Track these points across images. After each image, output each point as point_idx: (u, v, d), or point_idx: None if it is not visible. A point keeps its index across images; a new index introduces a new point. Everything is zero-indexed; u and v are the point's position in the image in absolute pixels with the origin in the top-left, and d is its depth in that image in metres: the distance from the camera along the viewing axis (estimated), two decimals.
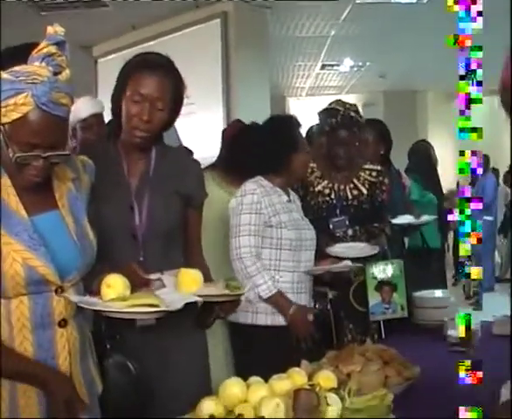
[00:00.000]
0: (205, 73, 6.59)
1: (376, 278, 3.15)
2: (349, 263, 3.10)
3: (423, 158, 5.50)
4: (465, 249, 1.59)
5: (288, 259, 3.02)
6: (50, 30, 1.68)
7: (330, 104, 3.49)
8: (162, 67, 2.17)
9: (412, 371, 2.15)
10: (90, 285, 1.86)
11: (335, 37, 8.13)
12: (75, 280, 1.78)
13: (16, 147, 1.65)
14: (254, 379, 1.86)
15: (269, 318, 2.99)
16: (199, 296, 1.93)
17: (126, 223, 2.14)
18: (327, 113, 3.46)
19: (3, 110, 1.63)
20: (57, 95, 1.65)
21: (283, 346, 2.91)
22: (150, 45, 6.79)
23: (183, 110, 2.32)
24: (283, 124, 3.19)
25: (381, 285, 3.16)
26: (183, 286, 1.97)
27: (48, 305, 1.72)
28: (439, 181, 5.66)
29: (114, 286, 1.79)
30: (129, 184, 2.19)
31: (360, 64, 9.95)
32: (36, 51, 1.66)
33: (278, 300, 2.97)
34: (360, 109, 3.57)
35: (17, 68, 1.65)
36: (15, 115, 1.63)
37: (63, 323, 1.75)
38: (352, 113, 3.40)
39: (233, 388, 1.78)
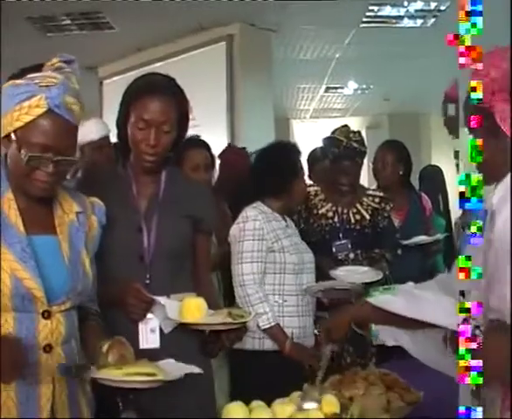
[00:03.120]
0: (210, 95, 6.63)
1: None
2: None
3: (434, 182, 5.51)
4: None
5: (292, 283, 3.03)
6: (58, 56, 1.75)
7: (334, 131, 3.53)
8: (164, 89, 2.14)
9: (415, 395, 2.14)
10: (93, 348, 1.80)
11: (340, 60, 8.16)
12: (64, 306, 1.74)
13: (27, 149, 1.66)
14: (257, 403, 1.86)
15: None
16: (201, 324, 1.94)
17: (134, 245, 2.12)
18: (330, 142, 3.51)
19: (16, 114, 1.66)
20: (69, 99, 1.68)
21: (285, 370, 2.89)
22: (156, 67, 6.80)
23: (189, 132, 2.33)
24: (286, 150, 3.23)
25: None
26: (186, 314, 1.97)
27: (33, 328, 1.68)
28: (448, 207, 5.63)
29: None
30: (139, 206, 2.18)
31: (364, 86, 9.98)
32: (49, 64, 1.73)
33: (275, 333, 2.98)
34: (364, 132, 3.58)
35: (30, 75, 1.70)
36: (28, 118, 1.65)
37: (48, 348, 1.71)
38: (355, 144, 3.44)
39: (236, 412, 1.78)
